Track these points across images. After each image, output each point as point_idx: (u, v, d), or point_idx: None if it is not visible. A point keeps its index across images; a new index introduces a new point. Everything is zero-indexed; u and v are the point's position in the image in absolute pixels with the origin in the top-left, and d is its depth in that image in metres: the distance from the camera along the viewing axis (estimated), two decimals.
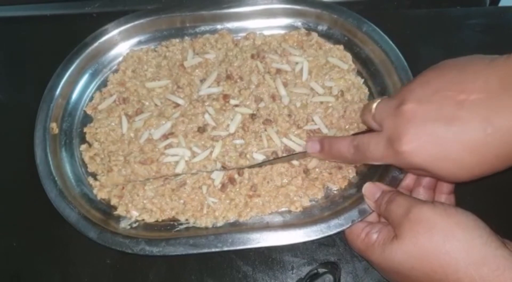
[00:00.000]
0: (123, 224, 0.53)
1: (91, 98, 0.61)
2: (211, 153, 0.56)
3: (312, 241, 0.53)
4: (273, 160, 0.55)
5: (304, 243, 0.53)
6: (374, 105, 0.48)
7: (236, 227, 0.53)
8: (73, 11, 0.70)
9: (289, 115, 0.57)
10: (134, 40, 0.63)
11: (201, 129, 0.57)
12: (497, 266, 0.38)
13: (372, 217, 0.51)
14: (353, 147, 0.49)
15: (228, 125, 0.57)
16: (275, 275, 0.53)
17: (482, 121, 0.40)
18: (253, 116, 0.57)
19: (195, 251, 0.50)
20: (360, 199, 0.51)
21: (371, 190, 0.50)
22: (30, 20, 0.70)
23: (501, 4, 0.70)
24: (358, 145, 0.48)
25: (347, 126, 0.57)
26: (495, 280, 0.38)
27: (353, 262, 0.53)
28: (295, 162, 0.56)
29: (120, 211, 0.54)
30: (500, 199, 0.55)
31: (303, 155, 0.55)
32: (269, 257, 0.53)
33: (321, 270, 0.50)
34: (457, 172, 0.42)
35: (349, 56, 0.61)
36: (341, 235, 0.53)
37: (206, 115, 0.57)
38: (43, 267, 0.54)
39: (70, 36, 0.61)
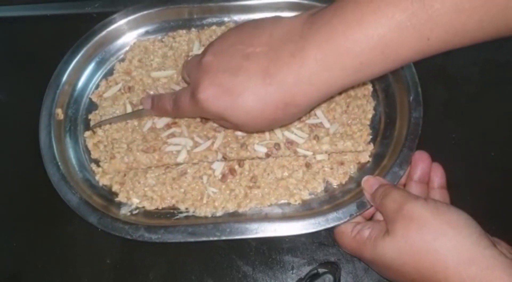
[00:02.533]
0: (124, 211, 0.54)
1: (97, 86, 0.61)
2: (212, 143, 0.56)
3: (312, 241, 0.53)
4: (115, 117, 0.57)
5: (304, 243, 0.53)
6: (187, 60, 0.52)
7: (235, 217, 0.53)
8: (73, 11, 0.70)
9: None
10: (142, 30, 0.64)
11: (204, 120, 0.57)
12: (486, 265, 0.39)
13: (358, 218, 0.51)
14: (172, 101, 0.52)
15: None
16: (275, 275, 0.53)
17: (262, 72, 0.43)
18: None
19: (193, 239, 0.50)
20: (359, 194, 0.51)
21: (370, 182, 0.50)
22: (30, 20, 0.70)
23: None
24: (175, 99, 0.51)
25: (349, 121, 0.57)
26: (483, 279, 0.38)
27: (353, 262, 0.53)
28: (299, 154, 0.56)
29: (121, 198, 0.54)
30: (499, 199, 0.55)
31: (142, 112, 0.57)
32: (269, 257, 0.53)
33: (321, 270, 0.50)
34: (247, 121, 0.46)
35: None
36: None
37: None
38: (43, 267, 0.54)
39: (70, 36, 0.61)
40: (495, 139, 0.52)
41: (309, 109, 0.47)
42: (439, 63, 0.63)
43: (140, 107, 0.58)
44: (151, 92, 0.60)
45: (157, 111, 0.56)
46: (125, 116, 0.58)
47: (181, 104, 0.50)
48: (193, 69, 0.49)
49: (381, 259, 0.44)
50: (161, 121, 0.57)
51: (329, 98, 0.57)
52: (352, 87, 0.59)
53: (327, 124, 0.57)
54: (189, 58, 0.52)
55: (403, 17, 0.37)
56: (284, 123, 0.52)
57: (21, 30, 0.69)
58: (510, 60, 0.63)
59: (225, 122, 0.48)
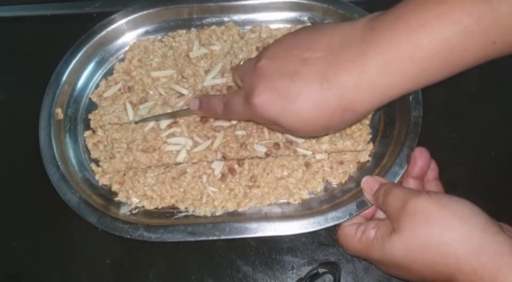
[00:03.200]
0: (123, 210, 0.54)
1: (97, 86, 0.61)
2: (212, 143, 0.56)
3: (312, 241, 0.53)
4: (159, 115, 0.57)
5: (304, 243, 0.53)
6: (240, 64, 0.52)
7: (235, 216, 0.53)
8: (73, 11, 0.70)
9: None
10: (141, 30, 0.64)
11: (204, 120, 0.57)
12: (495, 252, 0.39)
13: (359, 219, 0.51)
14: (223, 103, 0.51)
15: None
16: (275, 275, 0.53)
17: (319, 77, 0.42)
18: None
19: (192, 239, 0.50)
20: (359, 193, 0.51)
21: (370, 183, 0.50)
22: (30, 20, 0.70)
23: None
24: (226, 102, 0.51)
25: None
26: (494, 266, 0.38)
27: (353, 262, 0.53)
28: (298, 153, 0.56)
29: (120, 197, 0.54)
30: (499, 199, 0.55)
31: (187, 112, 0.57)
32: (269, 257, 0.53)
33: (321, 270, 0.50)
34: (301, 126, 0.45)
35: None
36: None
37: None
38: (43, 267, 0.54)
39: (70, 36, 0.61)
40: (495, 139, 0.52)
41: (365, 116, 0.46)
42: None
43: (141, 106, 0.59)
44: (151, 92, 0.60)
45: (205, 112, 0.55)
46: (169, 115, 0.57)
47: (233, 107, 0.49)
48: (247, 73, 0.48)
49: (391, 258, 0.44)
50: (165, 121, 0.57)
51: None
52: None
53: None
54: (241, 62, 0.52)
55: (469, 21, 0.37)
56: (338, 130, 0.51)
57: (21, 30, 0.69)
58: (510, 60, 0.63)
59: (278, 127, 0.47)
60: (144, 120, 0.58)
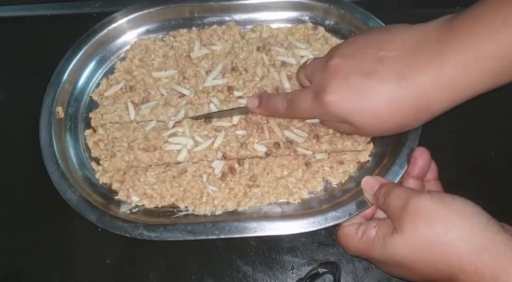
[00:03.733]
0: (123, 209, 0.54)
1: (98, 85, 0.62)
2: (213, 142, 0.56)
3: (312, 241, 0.53)
4: (213, 113, 0.57)
5: (304, 243, 0.53)
6: (307, 63, 0.52)
7: (235, 216, 0.53)
8: (73, 11, 0.70)
9: None
10: (142, 28, 0.64)
11: (208, 120, 0.57)
12: (497, 251, 0.39)
13: (359, 219, 0.50)
14: (286, 101, 0.52)
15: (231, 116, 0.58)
16: (275, 275, 0.52)
17: (397, 75, 0.43)
18: None
19: (192, 238, 0.50)
20: (359, 193, 0.51)
21: (370, 183, 0.50)
22: (30, 20, 0.70)
23: None
24: (290, 99, 0.51)
25: None
26: (496, 265, 0.38)
27: (353, 262, 0.53)
28: (299, 153, 0.56)
29: (121, 196, 0.54)
30: (499, 199, 0.55)
31: (245, 110, 0.56)
32: (269, 257, 0.53)
33: (321, 270, 0.50)
34: (374, 124, 0.46)
35: None
36: None
37: (212, 106, 0.58)
38: (43, 267, 0.54)
39: (70, 36, 0.62)
40: (495, 139, 0.52)
41: (438, 115, 0.46)
42: None
43: (143, 106, 0.59)
44: (152, 92, 0.60)
45: (265, 111, 0.55)
46: (224, 113, 0.57)
47: (300, 105, 0.50)
48: (317, 72, 0.49)
49: (392, 258, 0.44)
50: (172, 121, 0.57)
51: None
52: None
53: None
54: (308, 61, 0.52)
55: None
56: (408, 129, 0.51)
57: (21, 30, 0.69)
58: None
59: (346, 126, 0.48)
60: (197, 117, 0.58)
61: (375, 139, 0.57)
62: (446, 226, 0.41)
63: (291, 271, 0.52)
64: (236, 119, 0.57)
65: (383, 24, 0.60)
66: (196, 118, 0.58)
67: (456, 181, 0.52)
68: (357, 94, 0.45)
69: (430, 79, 0.42)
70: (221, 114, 0.57)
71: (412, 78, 0.43)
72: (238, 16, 0.65)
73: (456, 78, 0.41)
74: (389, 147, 0.55)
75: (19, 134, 0.61)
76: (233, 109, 0.57)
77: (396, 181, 0.51)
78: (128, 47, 0.64)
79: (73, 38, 0.61)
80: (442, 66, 0.41)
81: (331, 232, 0.53)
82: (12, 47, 0.69)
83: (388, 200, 0.46)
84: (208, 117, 0.57)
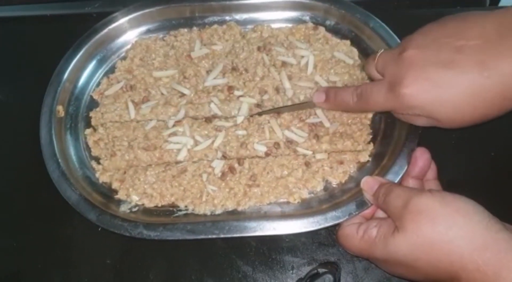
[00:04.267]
0: (123, 208, 0.54)
1: (98, 84, 0.62)
2: (213, 142, 0.56)
3: (312, 241, 0.53)
4: (278, 108, 0.57)
5: (304, 243, 0.53)
6: (377, 55, 0.50)
7: (234, 215, 0.53)
8: (73, 11, 0.70)
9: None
10: (143, 28, 0.64)
11: (208, 120, 0.57)
12: (498, 249, 0.39)
13: (359, 218, 0.50)
14: (356, 95, 0.51)
15: (233, 115, 0.58)
16: (275, 275, 0.52)
17: (479, 65, 0.42)
18: (258, 106, 0.58)
19: (191, 237, 0.50)
20: (359, 193, 0.51)
21: (369, 183, 0.50)
22: (30, 20, 0.71)
23: (501, 4, 0.69)
24: (361, 93, 0.50)
25: (349, 121, 0.57)
26: (497, 263, 0.38)
27: (353, 262, 0.53)
28: (299, 153, 0.56)
29: (120, 195, 0.55)
30: (499, 199, 0.55)
31: (310, 104, 0.56)
32: (269, 257, 0.53)
33: (321, 270, 0.50)
34: (453, 116, 0.45)
35: (355, 51, 0.62)
36: None
37: (212, 105, 0.58)
38: (43, 267, 0.54)
39: (70, 36, 0.62)
40: (495, 139, 0.52)
41: None
42: None
43: (143, 106, 0.59)
44: (153, 92, 0.60)
45: (333, 105, 0.55)
46: (291, 107, 0.57)
47: (372, 98, 0.49)
48: (391, 64, 0.48)
49: (394, 257, 0.43)
50: (172, 120, 0.57)
51: None
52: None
53: (327, 124, 0.57)
54: (378, 54, 0.51)
55: None
56: (490, 119, 0.48)
57: (21, 30, 0.69)
58: None
59: (422, 118, 0.47)
60: (261, 113, 0.58)
61: (375, 139, 0.57)
62: (447, 225, 0.41)
63: (291, 271, 0.52)
64: (240, 118, 0.57)
65: (384, 25, 0.60)
66: (261, 113, 0.57)
67: (456, 181, 0.52)
68: (436, 86, 0.43)
69: None
70: (287, 109, 0.57)
71: (495, 67, 0.41)
72: (239, 16, 0.65)
73: None
74: (389, 147, 0.55)
75: (20, 134, 0.61)
76: (300, 103, 0.57)
77: (396, 181, 0.51)
78: (129, 46, 0.64)
79: (73, 38, 0.61)
80: None
81: (331, 232, 0.53)
82: (12, 47, 0.69)
83: (388, 200, 0.46)
84: (275, 111, 0.57)
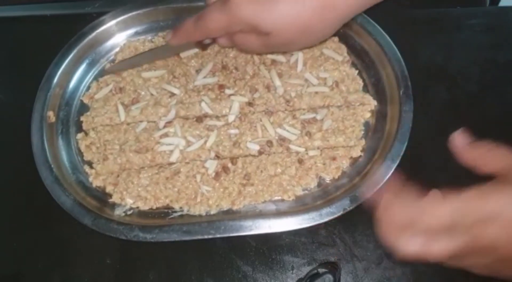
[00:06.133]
0: (118, 211, 0.54)
1: (88, 88, 0.61)
2: (205, 142, 0.56)
3: (312, 241, 0.53)
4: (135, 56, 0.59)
5: (304, 243, 0.53)
6: None
7: (229, 215, 0.53)
8: (73, 11, 0.70)
9: (287, 104, 0.58)
10: (131, 30, 0.64)
11: (199, 119, 0.57)
12: None
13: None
14: (196, 18, 0.50)
15: (224, 114, 0.58)
16: (275, 275, 0.52)
17: None
18: (250, 104, 0.58)
19: (188, 238, 0.50)
20: (352, 188, 0.52)
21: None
22: (30, 20, 0.70)
23: (501, 4, 0.70)
24: (200, 15, 0.50)
25: (341, 117, 0.58)
26: None
27: (353, 262, 0.53)
28: (291, 150, 0.56)
29: (115, 199, 0.54)
30: None
31: (166, 47, 0.57)
32: (269, 257, 0.53)
33: (321, 270, 0.50)
34: (281, 28, 0.46)
35: (344, 48, 0.62)
36: (341, 235, 0.53)
37: (203, 104, 0.58)
38: (43, 267, 0.54)
39: (70, 36, 0.61)
40: (495, 140, 0.52)
41: (344, 21, 0.47)
42: (439, 63, 0.63)
43: (133, 107, 0.58)
44: (142, 93, 0.60)
45: (179, 37, 0.53)
46: (149, 55, 0.58)
47: (209, 16, 0.49)
48: None
49: (487, 216, 0.34)
50: (162, 121, 0.57)
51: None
52: (343, 82, 0.59)
53: (319, 117, 0.57)
54: None
55: None
56: (317, 36, 0.50)
57: (21, 30, 0.69)
58: (510, 60, 0.63)
59: (254, 37, 0.48)
60: (117, 67, 0.59)
61: (366, 135, 0.57)
62: None
63: (291, 271, 0.52)
64: (232, 117, 0.57)
65: (371, 20, 0.60)
66: (114, 69, 0.59)
67: (456, 181, 0.53)
68: None
69: None
70: (145, 57, 0.59)
71: None
72: None
73: None
74: (380, 141, 0.55)
75: (11, 139, 0.60)
76: (156, 48, 0.59)
77: (388, 175, 0.51)
78: (117, 49, 0.63)
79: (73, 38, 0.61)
80: None
81: (331, 232, 0.53)
82: (12, 47, 0.68)
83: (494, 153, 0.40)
84: (136, 62, 0.59)
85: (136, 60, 0.58)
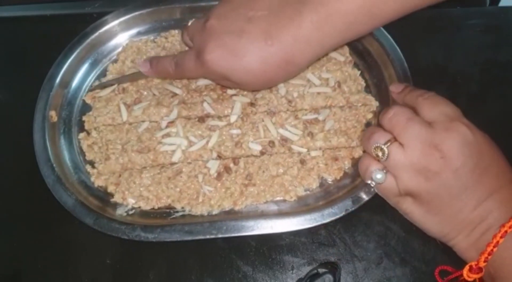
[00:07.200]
0: (120, 211, 0.54)
1: (91, 88, 0.61)
2: (207, 142, 0.56)
3: (312, 241, 0.53)
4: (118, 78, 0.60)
5: (304, 243, 0.53)
6: (189, 24, 0.55)
7: (231, 215, 0.53)
8: (73, 11, 0.70)
9: (289, 104, 0.58)
10: (134, 30, 0.64)
11: (201, 119, 0.57)
12: None
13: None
14: (174, 63, 0.54)
15: (226, 114, 0.58)
16: (275, 275, 0.52)
17: (264, 34, 0.47)
18: (252, 105, 0.58)
19: (189, 238, 0.50)
20: (354, 189, 0.52)
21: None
22: (30, 20, 0.70)
23: (501, 4, 0.70)
24: (177, 61, 0.54)
25: (343, 117, 0.58)
26: None
27: (353, 262, 0.53)
28: (293, 151, 0.56)
29: (117, 198, 0.54)
30: None
31: (138, 75, 0.59)
32: (269, 257, 0.53)
33: (321, 270, 0.50)
34: (249, 80, 0.50)
35: (346, 48, 0.62)
36: (341, 235, 0.53)
37: (205, 104, 0.58)
38: (43, 267, 0.54)
39: (70, 36, 0.62)
40: (495, 139, 0.52)
41: (306, 67, 0.52)
42: (439, 63, 0.63)
43: (135, 107, 0.58)
44: (145, 93, 0.60)
45: (156, 73, 0.58)
46: (122, 79, 0.60)
47: (185, 65, 0.53)
48: (197, 33, 0.52)
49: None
50: (164, 121, 0.57)
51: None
52: (345, 82, 0.59)
53: (321, 117, 0.57)
54: (189, 23, 0.55)
55: None
56: (283, 81, 0.56)
57: (21, 30, 0.69)
58: (510, 60, 0.64)
59: (227, 82, 0.51)
60: (100, 85, 0.60)
61: None
62: None
63: (291, 271, 0.52)
64: (234, 117, 0.57)
65: (383, 30, 0.60)
66: (98, 87, 0.60)
67: None
68: (232, 53, 0.48)
69: (291, 37, 0.46)
70: (116, 81, 0.60)
71: (276, 36, 0.46)
72: None
73: (313, 34, 0.46)
74: None
75: (14, 138, 0.60)
76: (128, 75, 0.60)
77: None
78: (120, 49, 0.63)
79: (73, 38, 0.61)
80: (300, 24, 0.45)
81: (331, 232, 0.53)
82: (12, 47, 0.68)
83: None
84: (112, 84, 0.60)
85: (120, 80, 0.60)
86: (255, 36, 0.47)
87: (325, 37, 0.46)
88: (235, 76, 0.49)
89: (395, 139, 0.46)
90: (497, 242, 0.42)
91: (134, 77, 0.59)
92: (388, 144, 0.46)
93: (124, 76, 0.60)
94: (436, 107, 0.47)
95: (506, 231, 0.42)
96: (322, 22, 0.45)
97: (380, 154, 0.46)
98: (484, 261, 0.43)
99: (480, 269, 0.44)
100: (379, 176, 0.47)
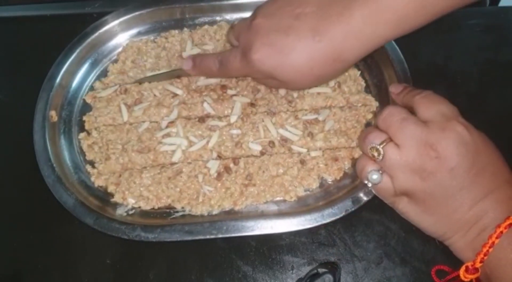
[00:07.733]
0: (120, 211, 0.54)
1: (91, 88, 0.61)
2: (207, 142, 0.56)
3: (312, 241, 0.53)
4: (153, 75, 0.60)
5: (304, 243, 0.53)
6: (235, 23, 0.55)
7: (231, 215, 0.53)
8: (73, 11, 0.70)
9: (289, 105, 0.58)
10: (134, 31, 0.64)
11: (202, 119, 0.57)
12: None
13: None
14: (218, 61, 0.55)
15: (226, 114, 0.58)
16: (275, 275, 0.52)
17: (311, 30, 0.46)
18: (252, 105, 0.58)
19: (190, 238, 0.50)
20: (354, 189, 0.52)
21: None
22: (30, 20, 0.70)
23: (501, 4, 0.70)
24: (221, 59, 0.54)
25: (344, 118, 0.58)
26: None
27: (353, 262, 0.53)
28: (293, 151, 0.56)
29: (117, 198, 0.54)
30: None
31: (180, 72, 0.59)
32: (269, 257, 0.53)
33: (321, 270, 0.50)
34: (296, 78, 0.49)
35: None
36: (341, 235, 0.53)
37: (205, 105, 0.58)
38: (43, 267, 0.54)
39: (70, 36, 0.62)
40: (495, 139, 0.52)
41: (354, 64, 0.50)
42: (439, 63, 0.63)
43: (136, 108, 0.58)
44: (145, 94, 0.60)
45: (199, 71, 0.58)
46: (162, 75, 0.60)
47: (230, 64, 0.53)
48: (243, 32, 0.51)
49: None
50: (164, 121, 0.57)
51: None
52: (345, 82, 0.59)
53: (321, 117, 0.57)
54: (235, 22, 0.56)
55: None
56: (329, 79, 0.57)
57: (21, 30, 0.69)
58: (510, 60, 0.64)
59: (272, 81, 0.51)
60: (143, 79, 0.60)
61: None
62: None
63: (291, 271, 0.52)
64: (234, 117, 0.57)
65: None
66: (138, 81, 0.60)
67: None
68: (279, 51, 0.47)
69: (341, 32, 0.46)
70: (158, 77, 0.60)
71: (325, 32, 0.46)
72: (229, 16, 0.65)
73: (363, 29, 0.45)
74: None
75: (14, 138, 0.60)
76: (171, 71, 0.60)
77: None
78: (120, 49, 0.64)
79: (73, 39, 0.61)
80: (350, 19, 0.45)
81: (331, 232, 0.53)
82: (12, 48, 0.68)
83: None
84: (150, 81, 0.60)
85: (158, 77, 0.60)
86: (302, 33, 0.46)
87: (376, 32, 0.46)
88: (281, 75, 0.49)
89: (390, 139, 0.46)
90: (493, 242, 0.42)
91: (174, 74, 0.59)
92: (384, 144, 0.46)
93: (163, 73, 0.60)
94: (433, 106, 0.47)
95: (501, 232, 0.42)
96: (372, 17, 0.44)
97: (375, 154, 0.46)
98: (480, 262, 0.43)
99: (476, 270, 0.44)
100: (375, 176, 0.47)
